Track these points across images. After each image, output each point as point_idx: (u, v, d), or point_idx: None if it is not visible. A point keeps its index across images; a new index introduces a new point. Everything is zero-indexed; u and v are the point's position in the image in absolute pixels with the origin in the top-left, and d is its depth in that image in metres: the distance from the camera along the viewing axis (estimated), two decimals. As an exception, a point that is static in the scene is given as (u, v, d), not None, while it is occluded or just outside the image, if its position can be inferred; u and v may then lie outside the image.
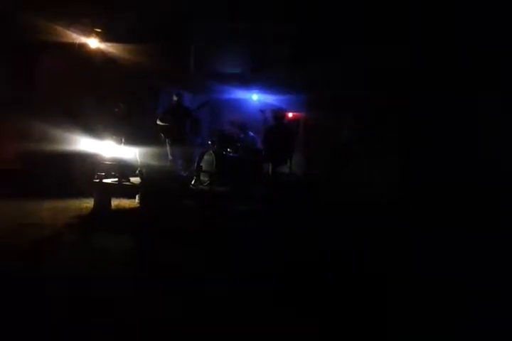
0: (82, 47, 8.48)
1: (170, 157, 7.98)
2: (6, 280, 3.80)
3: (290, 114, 9.98)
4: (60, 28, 8.02)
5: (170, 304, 3.41)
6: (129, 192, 7.75)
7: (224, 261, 4.69)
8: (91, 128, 8.04)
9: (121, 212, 7.26)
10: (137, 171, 7.70)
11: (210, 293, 3.68)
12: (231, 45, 9.31)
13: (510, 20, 6.33)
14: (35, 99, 8.57)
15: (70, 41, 8.30)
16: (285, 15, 9.01)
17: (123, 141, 7.45)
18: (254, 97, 10.12)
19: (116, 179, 7.33)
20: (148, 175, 7.39)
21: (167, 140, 7.96)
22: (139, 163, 7.65)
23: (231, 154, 7.87)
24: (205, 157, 7.72)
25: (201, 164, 7.72)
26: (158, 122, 7.88)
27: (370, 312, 3.42)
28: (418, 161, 7.55)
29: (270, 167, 7.85)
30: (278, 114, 8.01)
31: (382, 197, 7.46)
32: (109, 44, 8.70)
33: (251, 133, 8.51)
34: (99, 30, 8.48)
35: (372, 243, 5.41)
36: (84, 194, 7.77)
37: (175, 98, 8.04)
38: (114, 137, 7.48)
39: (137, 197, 7.70)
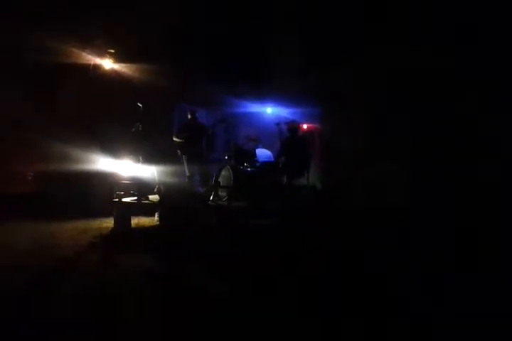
0: (97, 68, 8.61)
1: (187, 173, 8.00)
2: (31, 302, 3.80)
3: (305, 126, 9.98)
4: (75, 51, 8.15)
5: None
6: (148, 210, 7.76)
7: (244, 280, 4.61)
8: (108, 148, 8.12)
9: (142, 230, 7.24)
10: (155, 189, 7.72)
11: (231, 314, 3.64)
12: (244, 58, 9.34)
13: None
14: (51, 120, 8.67)
15: (86, 63, 8.44)
16: (297, 26, 9.05)
17: (141, 159, 7.48)
18: (269, 110, 10.15)
19: (135, 197, 7.36)
20: (167, 192, 7.41)
21: (184, 156, 8.00)
22: (156, 181, 7.67)
23: (248, 169, 7.84)
24: (223, 172, 7.72)
25: (219, 179, 7.72)
26: (175, 139, 7.93)
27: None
28: (435, 167, 7.46)
29: (288, 180, 7.81)
30: (292, 126, 8.01)
31: (400, 204, 7.36)
32: (122, 64, 8.83)
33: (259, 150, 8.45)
34: (112, 50, 8.60)
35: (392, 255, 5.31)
36: (103, 213, 7.80)
37: (189, 115, 8.11)
38: (132, 156, 7.53)
39: (156, 214, 7.71)
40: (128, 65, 8.88)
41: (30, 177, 8.87)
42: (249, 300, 3.95)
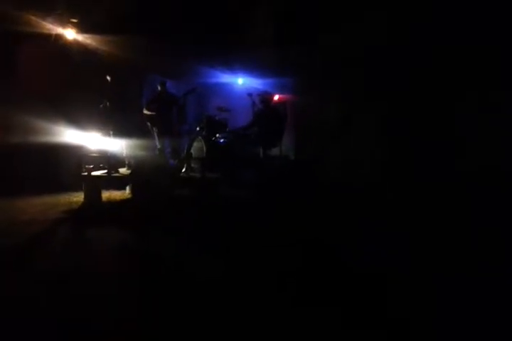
0: (60, 38, 8.24)
1: (158, 146, 7.87)
2: (5, 282, 3.65)
3: (276, 97, 9.88)
4: (36, 19, 7.75)
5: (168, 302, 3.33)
6: (119, 183, 7.62)
7: (222, 252, 4.55)
8: (75, 121, 7.87)
9: (113, 204, 7.11)
10: (126, 162, 7.58)
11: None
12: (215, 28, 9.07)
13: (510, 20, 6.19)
14: (14, 91, 8.28)
15: (48, 32, 8.05)
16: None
17: (111, 133, 7.29)
18: (240, 81, 10.01)
19: (105, 171, 7.20)
20: (138, 165, 7.28)
21: (154, 129, 7.84)
22: (127, 154, 7.52)
23: (221, 140, 7.75)
24: (195, 144, 7.61)
25: (191, 151, 7.62)
26: (145, 111, 7.75)
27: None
28: (405, 140, 7.55)
29: (261, 151, 7.78)
30: (265, 97, 7.93)
31: (370, 177, 7.45)
32: (87, 35, 8.46)
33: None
34: (75, 20, 8.22)
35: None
36: (73, 187, 7.61)
37: (159, 87, 7.92)
38: (101, 129, 7.33)
39: (127, 188, 7.59)
40: (93, 35, 8.51)
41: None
42: (233, 279, 3.73)
